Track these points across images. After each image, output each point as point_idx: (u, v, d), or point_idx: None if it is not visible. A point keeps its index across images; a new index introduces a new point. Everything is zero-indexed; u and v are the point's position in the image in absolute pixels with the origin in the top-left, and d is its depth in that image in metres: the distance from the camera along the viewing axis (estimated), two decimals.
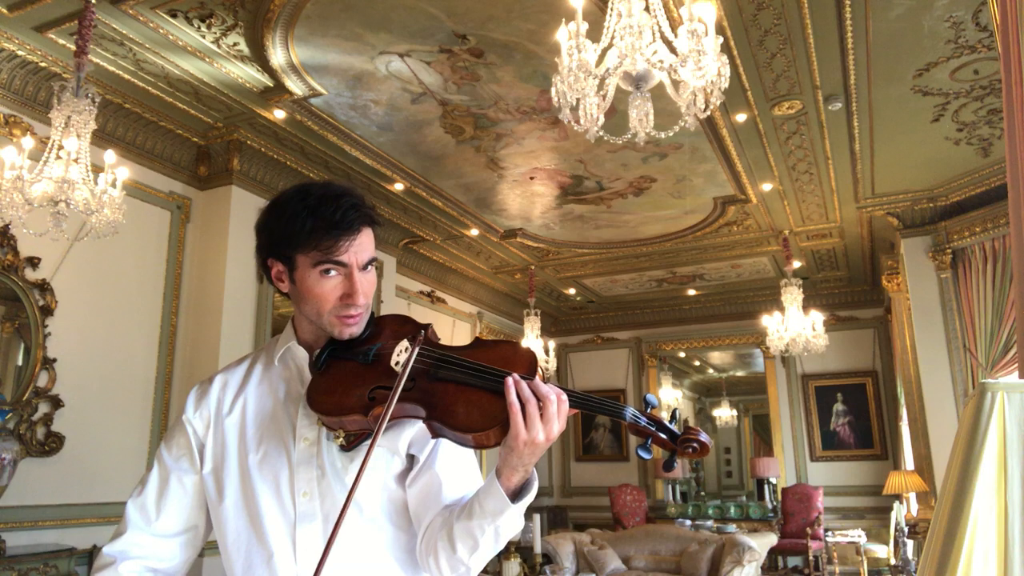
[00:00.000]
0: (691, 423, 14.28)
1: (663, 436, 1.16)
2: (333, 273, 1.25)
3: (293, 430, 1.29)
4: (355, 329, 1.29)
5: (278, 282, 1.33)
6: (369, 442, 1.24)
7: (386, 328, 1.33)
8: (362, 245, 1.28)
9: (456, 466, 1.31)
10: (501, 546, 1.21)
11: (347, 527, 1.23)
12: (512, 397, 1.11)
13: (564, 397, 1.14)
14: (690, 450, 1.15)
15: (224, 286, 5.20)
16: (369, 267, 1.29)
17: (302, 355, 1.34)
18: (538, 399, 1.12)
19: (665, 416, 1.21)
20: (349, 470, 1.26)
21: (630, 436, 10.69)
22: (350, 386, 1.23)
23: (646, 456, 1.14)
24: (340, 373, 1.27)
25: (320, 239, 1.23)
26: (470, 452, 1.35)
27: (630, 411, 1.16)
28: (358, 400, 1.20)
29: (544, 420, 1.11)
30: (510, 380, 1.13)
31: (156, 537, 1.32)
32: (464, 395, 1.17)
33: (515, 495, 1.16)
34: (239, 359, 1.46)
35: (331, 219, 1.24)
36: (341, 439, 1.25)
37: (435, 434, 1.19)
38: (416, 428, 1.29)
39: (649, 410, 1.18)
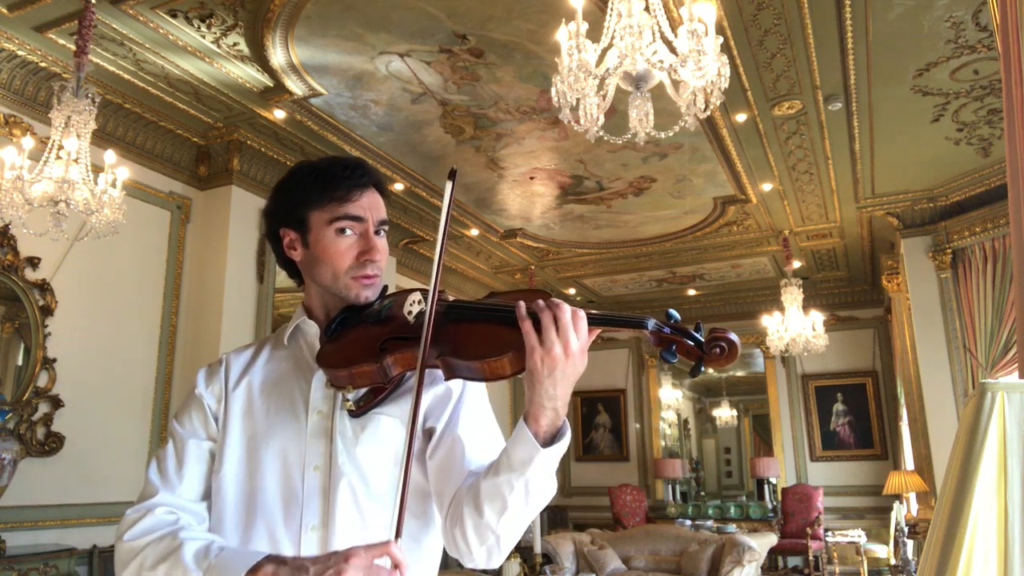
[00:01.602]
0: (691, 419, 14.13)
1: (689, 342, 1.08)
2: (349, 232, 1.26)
3: (306, 404, 1.25)
4: (371, 292, 1.28)
5: (290, 251, 1.31)
6: (378, 409, 1.22)
7: (395, 295, 1.31)
8: (374, 203, 1.29)
9: (479, 428, 1.26)
10: (532, 511, 1.11)
11: (348, 502, 1.19)
12: (521, 310, 1.07)
13: (581, 312, 1.07)
14: (717, 350, 1.06)
15: (224, 286, 5.20)
16: (382, 232, 1.30)
17: (313, 330, 1.32)
18: (548, 311, 1.06)
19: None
20: (360, 440, 1.21)
21: (631, 433, 10.69)
22: (361, 341, 1.21)
23: (671, 359, 1.08)
24: (351, 334, 1.25)
25: (333, 190, 1.26)
26: (492, 419, 1.31)
27: (652, 321, 1.08)
28: (369, 352, 1.17)
29: (559, 328, 1.04)
30: (520, 304, 1.09)
31: (183, 500, 1.24)
32: (476, 329, 1.15)
33: (546, 444, 1.07)
34: (247, 344, 1.42)
35: (341, 174, 1.27)
36: (351, 403, 1.21)
37: (449, 373, 1.14)
38: (431, 396, 1.26)
39: (672, 322, 1.10)
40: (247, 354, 1.37)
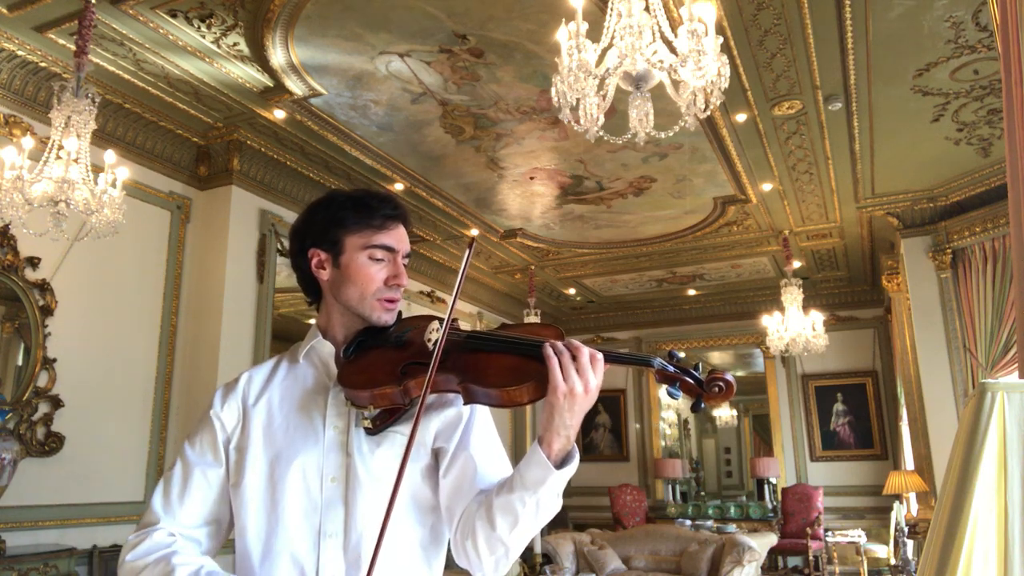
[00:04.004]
0: (691, 420, 14.19)
1: (690, 380, 1.20)
2: (380, 256, 1.36)
3: (323, 419, 1.32)
4: (391, 316, 1.38)
5: (318, 270, 1.38)
6: (393, 426, 1.29)
7: (412, 321, 1.39)
8: (403, 236, 1.41)
9: (488, 449, 1.33)
10: (540, 524, 1.22)
11: (368, 511, 1.25)
12: (548, 351, 1.17)
13: (598, 354, 1.18)
14: (716, 389, 1.18)
15: (224, 286, 5.20)
16: (406, 260, 1.40)
17: (328, 350, 1.38)
18: (571, 353, 1.16)
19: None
20: (376, 455, 1.28)
21: (631, 433, 10.70)
22: (382, 364, 1.29)
23: (676, 395, 1.19)
24: (371, 357, 1.32)
25: (370, 218, 1.36)
26: (499, 440, 1.39)
27: (657, 360, 1.21)
28: (390, 375, 1.25)
29: (579, 370, 1.15)
30: (546, 344, 1.18)
31: (182, 527, 1.32)
32: (496, 360, 1.24)
33: (557, 466, 1.17)
34: (263, 362, 1.49)
35: (377, 205, 1.38)
36: (367, 422, 1.28)
37: (468, 398, 1.23)
38: (442, 419, 1.33)
39: (675, 361, 1.23)
40: (265, 371, 1.43)
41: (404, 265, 1.39)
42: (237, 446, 1.34)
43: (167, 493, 1.33)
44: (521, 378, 1.19)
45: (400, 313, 1.41)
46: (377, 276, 1.35)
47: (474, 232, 7.44)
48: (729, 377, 1.19)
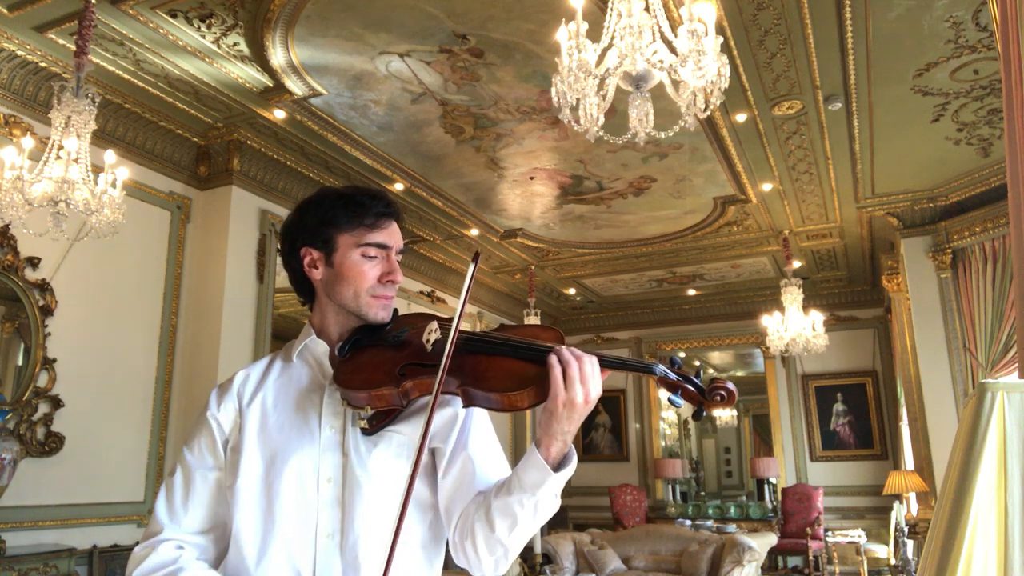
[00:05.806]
0: (690, 421, 14.17)
1: (691, 388, 1.20)
2: (373, 253, 1.35)
3: (319, 419, 1.31)
4: (387, 313, 1.37)
5: (311, 269, 1.37)
6: (390, 425, 1.28)
7: (409, 320, 1.38)
8: (396, 232, 1.40)
9: (487, 449, 1.34)
10: (538, 524, 1.22)
11: (365, 511, 1.24)
12: (553, 360, 1.16)
13: (595, 359, 1.17)
14: (718, 398, 1.19)
15: (224, 286, 5.20)
16: (399, 256, 1.39)
17: (322, 348, 1.37)
18: (575, 363, 1.15)
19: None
20: (372, 455, 1.27)
21: (631, 433, 10.70)
22: (379, 364, 1.27)
23: (679, 402, 1.20)
24: (367, 356, 1.31)
25: (362, 216, 1.35)
26: (496, 439, 1.39)
27: (660, 367, 1.20)
28: (388, 376, 1.24)
29: (582, 380, 1.14)
30: (551, 353, 1.17)
31: (187, 534, 1.31)
32: (497, 363, 1.22)
33: (555, 469, 1.17)
34: (256, 361, 1.48)
35: (369, 203, 1.36)
36: (364, 422, 1.27)
37: (468, 401, 1.22)
38: (439, 418, 1.32)
39: (676, 368, 1.22)
40: (258, 371, 1.42)
41: (398, 262, 1.38)
42: (233, 446, 1.33)
43: (170, 500, 1.32)
44: (522, 383, 1.18)
45: (396, 311, 1.40)
46: (371, 273, 1.34)
47: (474, 233, 7.44)
48: (731, 386, 1.19)
